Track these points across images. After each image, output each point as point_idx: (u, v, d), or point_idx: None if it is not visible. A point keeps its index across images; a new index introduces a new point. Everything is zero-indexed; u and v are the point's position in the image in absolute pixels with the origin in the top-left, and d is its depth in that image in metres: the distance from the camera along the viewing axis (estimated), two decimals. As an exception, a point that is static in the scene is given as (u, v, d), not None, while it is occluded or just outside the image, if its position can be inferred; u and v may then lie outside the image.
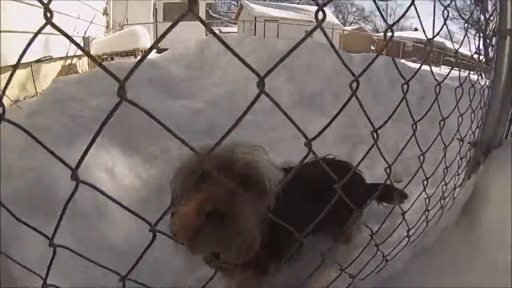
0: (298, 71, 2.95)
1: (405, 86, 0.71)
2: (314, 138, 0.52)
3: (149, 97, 2.35)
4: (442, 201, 1.13)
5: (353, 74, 0.56)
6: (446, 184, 1.13)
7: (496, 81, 0.96)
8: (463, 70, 1.15)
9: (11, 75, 0.43)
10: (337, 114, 0.54)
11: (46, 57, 2.91)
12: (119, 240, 1.22)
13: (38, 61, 2.79)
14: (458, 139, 1.10)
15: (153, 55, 3.72)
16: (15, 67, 0.42)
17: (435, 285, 0.90)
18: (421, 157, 0.89)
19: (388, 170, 0.77)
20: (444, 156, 1.04)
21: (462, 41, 1.03)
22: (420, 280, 0.98)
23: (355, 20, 28.20)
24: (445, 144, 1.00)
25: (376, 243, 0.94)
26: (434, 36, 0.82)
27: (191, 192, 0.79)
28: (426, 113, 0.84)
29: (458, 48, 1.02)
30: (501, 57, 0.94)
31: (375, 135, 0.66)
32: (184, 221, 0.75)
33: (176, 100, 2.50)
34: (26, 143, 1.35)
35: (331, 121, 0.54)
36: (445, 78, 0.89)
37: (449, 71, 1.02)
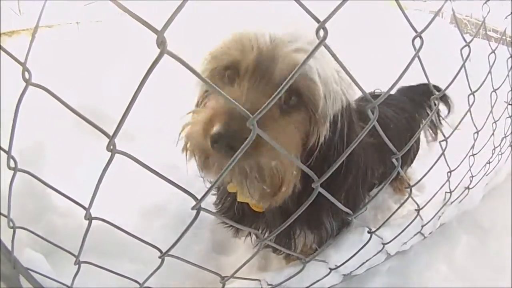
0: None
1: (466, 50, 0.72)
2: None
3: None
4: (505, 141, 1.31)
5: (415, 30, 0.52)
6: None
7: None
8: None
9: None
10: (401, 75, 0.51)
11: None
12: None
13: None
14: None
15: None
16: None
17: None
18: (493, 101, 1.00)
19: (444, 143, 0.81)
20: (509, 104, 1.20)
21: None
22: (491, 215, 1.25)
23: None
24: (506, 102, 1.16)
25: (418, 206, 0.94)
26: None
27: (213, 96, 0.60)
28: (483, 83, 0.87)
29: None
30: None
31: (436, 102, 0.71)
32: (190, 136, 0.57)
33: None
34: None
35: (394, 84, 0.53)
36: (497, 47, 0.92)
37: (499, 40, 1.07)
